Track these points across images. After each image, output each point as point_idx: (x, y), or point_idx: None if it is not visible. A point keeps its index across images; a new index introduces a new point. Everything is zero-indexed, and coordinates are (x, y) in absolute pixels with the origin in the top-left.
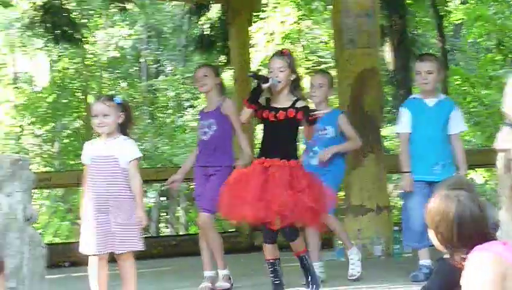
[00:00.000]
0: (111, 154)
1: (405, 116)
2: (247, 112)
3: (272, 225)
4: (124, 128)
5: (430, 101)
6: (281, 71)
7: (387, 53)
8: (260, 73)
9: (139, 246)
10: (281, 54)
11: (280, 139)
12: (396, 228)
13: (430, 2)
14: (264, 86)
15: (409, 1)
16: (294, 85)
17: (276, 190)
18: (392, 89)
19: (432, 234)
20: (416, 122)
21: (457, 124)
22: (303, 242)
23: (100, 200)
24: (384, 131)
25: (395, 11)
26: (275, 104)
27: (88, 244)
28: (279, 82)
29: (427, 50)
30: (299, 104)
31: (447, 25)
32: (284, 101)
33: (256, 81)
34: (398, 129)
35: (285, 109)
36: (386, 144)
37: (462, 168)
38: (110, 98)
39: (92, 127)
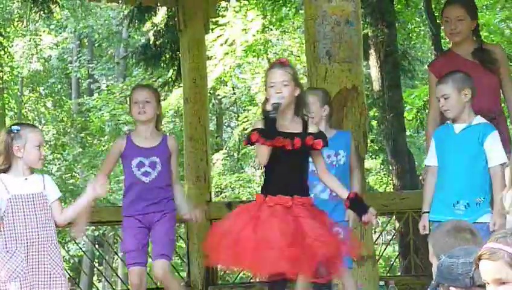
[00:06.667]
0: (39, 190)
1: (431, 146)
2: (265, 150)
3: (315, 277)
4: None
5: (458, 127)
6: (285, 85)
7: (372, 68)
8: (272, 101)
9: None
10: (281, 64)
11: (299, 172)
12: (382, 282)
13: (424, 7)
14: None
15: (398, 6)
16: (299, 102)
17: (313, 230)
18: (377, 113)
19: None
20: (440, 153)
21: (494, 154)
22: None
23: (30, 248)
24: (369, 164)
25: (381, 18)
26: (285, 128)
27: None
28: (283, 98)
29: (420, 65)
30: (313, 129)
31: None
32: (292, 124)
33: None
34: (425, 161)
35: (300, 135)
36: (370, 179)
37: (496, 211)
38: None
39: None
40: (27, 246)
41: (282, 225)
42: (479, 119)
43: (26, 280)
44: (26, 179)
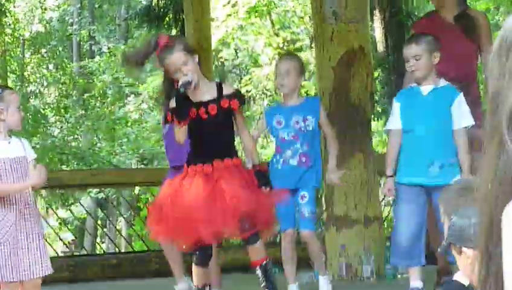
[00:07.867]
0: (23, 154)
1: (395, 109)
2: (183, 130)
3: (235, 235)
4: None
5: (425, 89)
6: (186, 65)
7: (377, 29)
8: (180, 82)
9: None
10: (167, 48)
11: (220, 137)
12: (389, 243)
13: None
14: (189, 90)
15: None
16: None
17: (231, 189)
18: (381, 74)
19: None
20: (408, 116)
21: (460, 117)
22: (264, 247)
23: (22, 211)
24: (372, 125)
25: None
26: (198, 98)
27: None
28: (191, 77)
29: None
30: (227, 91)
31: None
32: (207, 91)
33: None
34: (388, 125)
35: (214, 101)
36: (373, 141)
37: (465, 170)
38: None
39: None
40: (19, 209)
41: (201, 194)
42: (444, 82)
43: (15, 244)
44: (9, 142)
